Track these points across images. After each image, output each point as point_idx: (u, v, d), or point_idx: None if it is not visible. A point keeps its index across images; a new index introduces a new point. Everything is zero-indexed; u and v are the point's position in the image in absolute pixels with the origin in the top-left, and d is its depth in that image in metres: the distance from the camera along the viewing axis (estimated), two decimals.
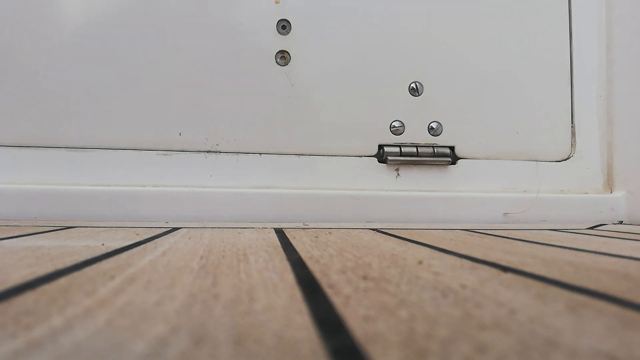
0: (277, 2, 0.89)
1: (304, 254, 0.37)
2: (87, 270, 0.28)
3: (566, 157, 0.96)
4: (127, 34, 0.86)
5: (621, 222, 0.92)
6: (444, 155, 0.92)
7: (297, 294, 0.23)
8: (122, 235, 0.50)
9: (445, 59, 0.93)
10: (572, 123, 0.96)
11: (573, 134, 0.96)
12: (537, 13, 0.95)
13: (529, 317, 0.19)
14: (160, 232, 0.55)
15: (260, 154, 0.89)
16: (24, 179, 0.83)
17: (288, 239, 0.49)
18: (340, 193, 0.88)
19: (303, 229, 0.64)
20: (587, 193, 0.94)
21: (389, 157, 0.91)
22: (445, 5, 0.93)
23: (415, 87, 0.92)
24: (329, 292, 0.23)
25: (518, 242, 0.49)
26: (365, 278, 0.27)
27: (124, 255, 0.35)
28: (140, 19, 0.87)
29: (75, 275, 0.27)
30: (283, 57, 0.90)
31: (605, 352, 0.15)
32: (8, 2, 0.83)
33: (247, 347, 0.15)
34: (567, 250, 0.42)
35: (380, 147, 0.92)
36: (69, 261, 0.32)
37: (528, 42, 0.95)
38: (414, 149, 0.91)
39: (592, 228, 0.74)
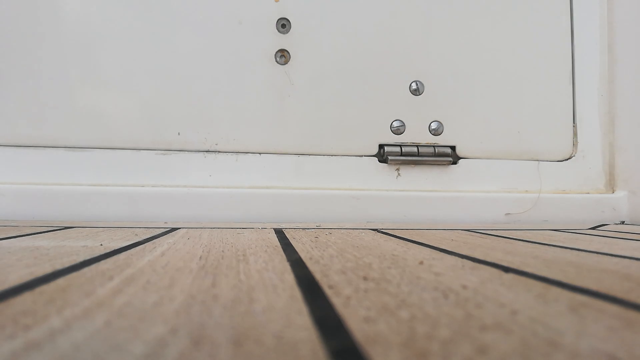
0: (276, 1, 0.89)
1: (304, 255, 0.37)
2: (86, 270, 0.28)
3: (568, 156, 0.95)
4: (126, 33, 0.86)
5: (623, 222, 0.92)
6: (445, 155, 0.92)
7: (297, 294, 0.23)
8: (121, 236, 0.50)
9: (447, 58, 0.93)
10: (573, 123, 0.96)
11: (575, 134, 0.96)
12: (538, 12, 0.95)
13: (530, 317, 0.19)
14: (159, 232, 0.55)
15: (259, 153, 0.89)
16: (22, 178, 0.83)
17: (288, 239, 0.49)
18: (341, 193, 0.88)
19: (304, 229, 0.64)
20: (588, 193, 0.94)
21: (389, 157, 0.90)
22: (446, 4, 0.93)
23: (416, 86, 0.92)
24: (329, 292, 0.23)
25: (519, 242, 0.48)
26: (365, 278, 0.27)
27: (122, 255, 0.35)
28: (138, 17, 0.86)
29: (74, 275, 0.27)
30: (283, 55, 0.89)
31: (606, 352, 0.15)
32: (8, 3, 0.83)
33: (247, 348, 0.15)
34: (568, 250, 0.42)
35: (381, 146, 0.92)
36: (67, 262, 0.31)
37: (529, 41, 0.95)
38: (415, 149, 0.91)
39: (593, 228, 0.74)
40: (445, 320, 0.18)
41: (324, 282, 0.26)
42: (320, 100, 0.90)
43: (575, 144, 0.96)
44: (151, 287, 0.24)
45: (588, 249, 0.43)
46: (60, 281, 0.25)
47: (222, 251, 0.38)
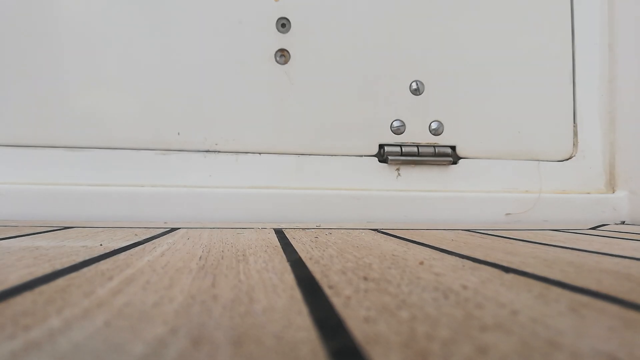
0: (276, 1, 0.89)
1: (303, 255, 0.37)
2: (85, 270, 0.28)
3: (568, 156, 0.95)
4: (126, 33, 0.86)
5: (623, 223, 0.92)
6: (445, 154, 0.92)
7: (297, 294, 0.23)
8: (121, 236, 0.50)
9: (447, 58, 0.93)
10: (574, 122, 0.96)
11: (575, 134, 0.96)
12: (539, 12, 0.95)
13: (530, 318, 0.19)
14: (159, 232, 0.55)
15: (259, 153, 0.89)
16: (21, 178, 0.83)
17: (288, 239, 0.49)
18: (341, 193, 0.88)
19: (304, 229, 0.64)
20: (589, 193, 0.94)
21: (389, 157, 0.90)
22: (446, 3, 0.93)
23: (416, 86, 0.92)
24: (329, 292, 0.23)
25: (519, 242, 0.48)
26: (365, 279, 0.27)
27: (122, 255, 0.35)
28: (138, 17, 0.86)
29: (74, 276, 0.27)
30: (283, 55, 0.89)
31: (607, 352, 0.15)
32: (8, 3, 0.83)
33: (247, 348, 0.15)
34: (569, 250, 0.42)
35: (381, 146, 0.92)
36: (67, 262, 0.31)
37: (530, 41, 0.95)
38: (415, 149, 0.91)
39: (594, 228, 0.74)
40: (446, 320, 0.18)
41: (324, 282, 0.26)
42: (320, 100, 0.90)
43: (575, 144, 0.96)
44: (151, 287, 0.24)
45: (588, 249, 0.43)
46: (60, 281, 0.25)
47: (222, 251, 0.38)
